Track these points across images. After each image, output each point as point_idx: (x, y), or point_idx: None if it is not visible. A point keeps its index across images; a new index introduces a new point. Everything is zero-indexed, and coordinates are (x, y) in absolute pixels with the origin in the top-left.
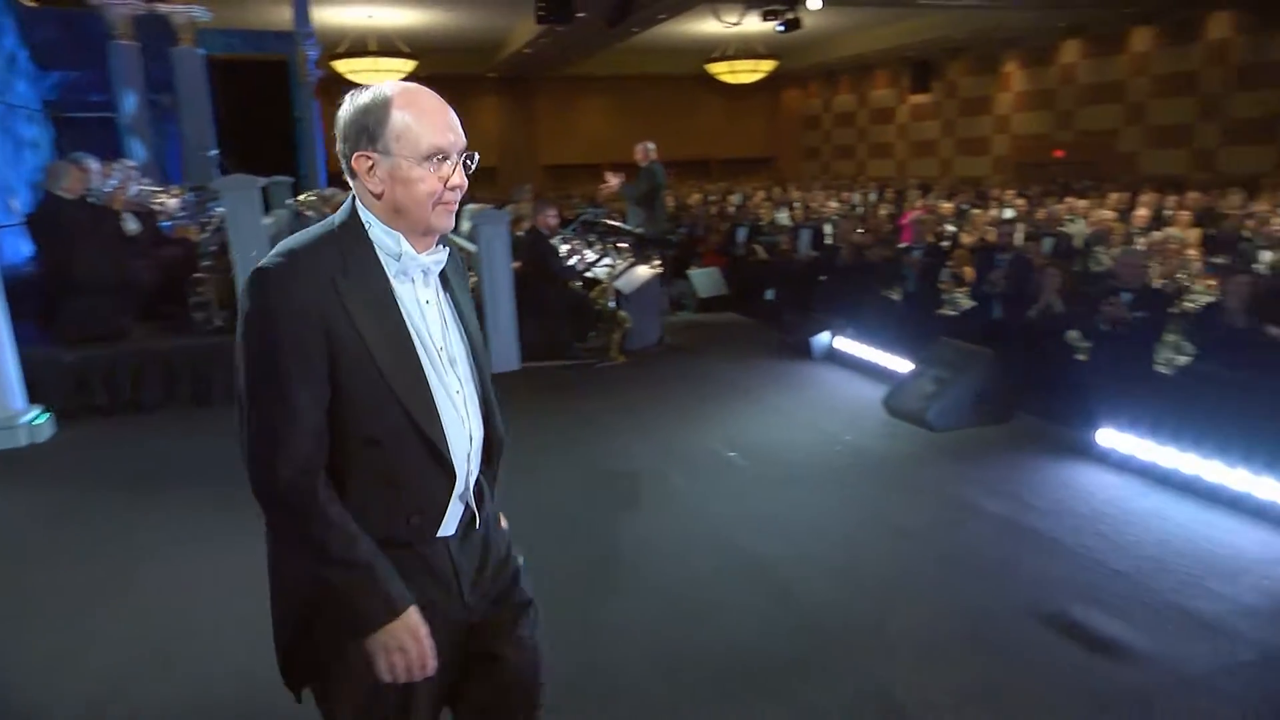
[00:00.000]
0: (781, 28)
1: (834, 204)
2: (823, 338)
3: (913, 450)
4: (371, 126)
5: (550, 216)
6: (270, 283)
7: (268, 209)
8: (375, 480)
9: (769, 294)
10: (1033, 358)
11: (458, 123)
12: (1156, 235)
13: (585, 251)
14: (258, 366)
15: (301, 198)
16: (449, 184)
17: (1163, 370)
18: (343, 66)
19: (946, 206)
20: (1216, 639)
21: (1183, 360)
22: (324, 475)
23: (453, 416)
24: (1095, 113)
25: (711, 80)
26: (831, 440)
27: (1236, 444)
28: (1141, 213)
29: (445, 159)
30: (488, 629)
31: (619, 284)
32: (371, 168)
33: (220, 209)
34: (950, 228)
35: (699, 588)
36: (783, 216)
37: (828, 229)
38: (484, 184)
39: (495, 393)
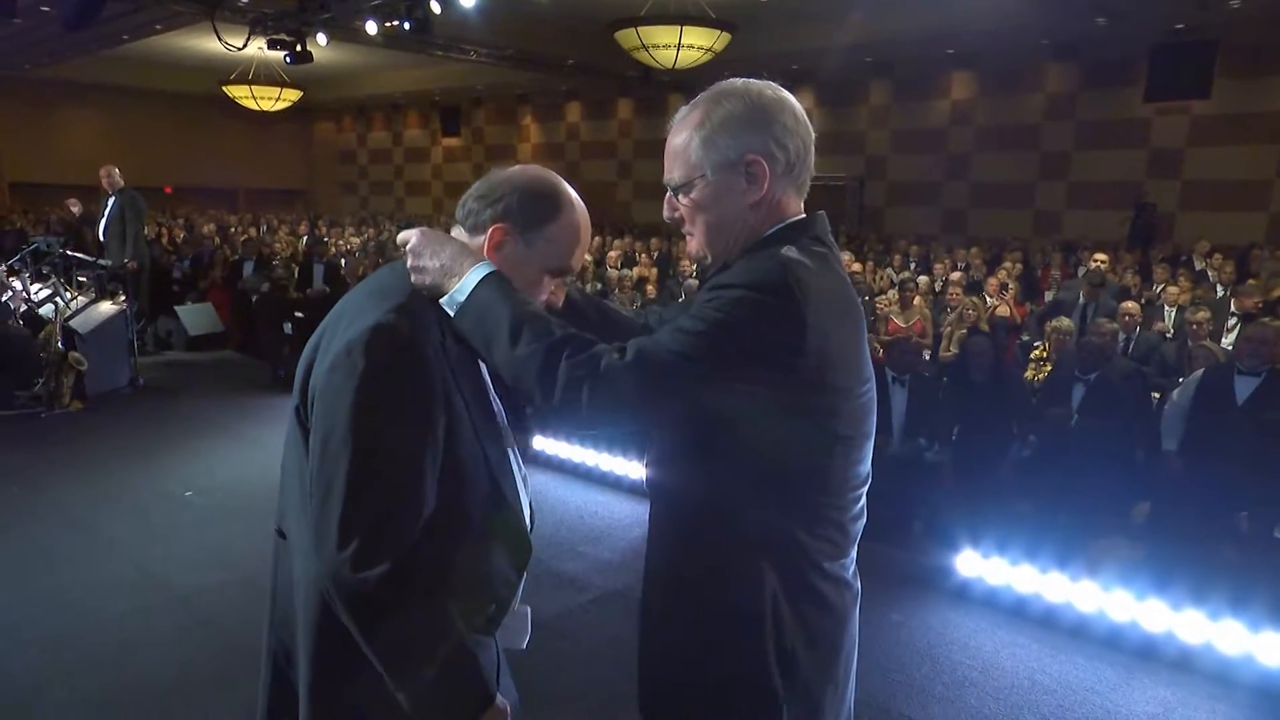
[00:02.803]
0: (290, 59)
1: (356, 240)
2: None
3: None
4: (536, 214)
5: None
6: (397, 342)
7: None
8: (460, 559)
9: (288, 327)
10: None
11: None
12: (613, 274)
13: (29, 286)
14: (380, 438)
15: None
16: (546, 294)
17: None
18: None
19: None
20: (569, 589)
21: None
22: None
23: (522, 491)
24: (596, 166)
25: (235, 104)
26: None
27: (632, 439)
28: (613, 254)
29: (561, 275)
30: None
31: (74, 323)
32: (501, 244)
33: None
34: None
35: (118, 630)
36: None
37: (344, 264)
38: None
39: None
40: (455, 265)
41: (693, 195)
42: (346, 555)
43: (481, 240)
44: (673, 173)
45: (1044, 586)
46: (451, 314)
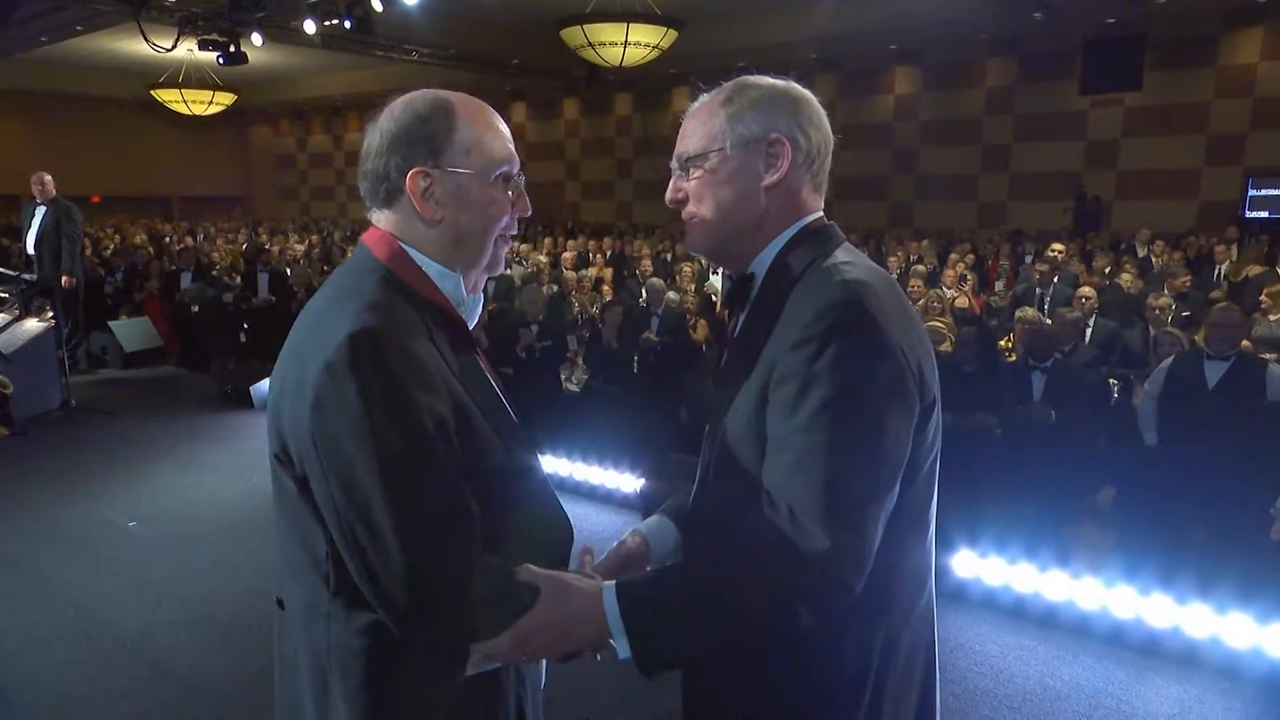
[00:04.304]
0: (223, 60)
1: (299, 247)
2: (264, 385)
3: None
4: (434, 138)
5: None
6: (383, 343)
7: None
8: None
9: (241, 337)
10: None
11: None
12: (570, 275)
13: None
14: (407, 460)
15: None
16: (517, 208)
17: (572, 388)
18: None
19: None
20: None
21: (582, 378)
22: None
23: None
24: (543, 167)
25: (166, 108)
26: (260, 491)
27: (604, 446)
28: (567, 255)
29: (510, 179)
30: None
31: None
32: (429, 188)
33: None
34: None
35: (57, 682)
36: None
37: (290, 272)
38: None
39: None
40: (590, 613)
41: (706, 165)
42: (423, 614)
43: (406, 201)
44: (687, 145)
45: (1043, 585)
46: (642, 663)
